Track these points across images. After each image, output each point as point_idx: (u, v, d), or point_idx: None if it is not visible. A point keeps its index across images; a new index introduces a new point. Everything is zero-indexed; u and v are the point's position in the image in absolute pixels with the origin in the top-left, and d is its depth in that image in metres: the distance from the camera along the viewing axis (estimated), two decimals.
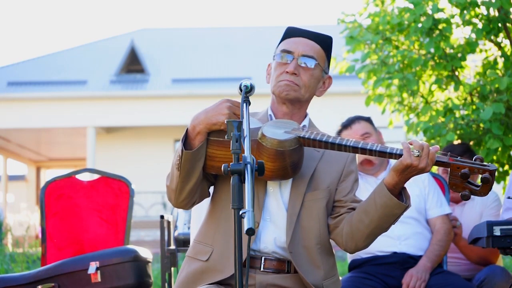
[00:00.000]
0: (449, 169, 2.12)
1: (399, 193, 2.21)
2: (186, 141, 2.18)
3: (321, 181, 2.31)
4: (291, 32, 2.40)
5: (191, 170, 2.18)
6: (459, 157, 2.15)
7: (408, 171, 2.13)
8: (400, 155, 2.13)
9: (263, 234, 2.25)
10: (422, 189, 3.47)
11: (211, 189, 2.36)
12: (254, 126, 2.21)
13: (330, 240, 2.38)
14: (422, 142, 2.14)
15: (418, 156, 2.11)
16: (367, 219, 2.23)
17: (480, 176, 2.10)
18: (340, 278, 3.51)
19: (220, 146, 2.18)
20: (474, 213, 3.68)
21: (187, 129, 2.18)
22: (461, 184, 2.12)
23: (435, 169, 4.60)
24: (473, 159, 2.14)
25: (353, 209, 2.33)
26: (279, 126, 2.22)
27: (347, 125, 3.56)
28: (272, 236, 2.25)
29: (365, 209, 2.24)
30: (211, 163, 2.21)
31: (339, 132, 3.58)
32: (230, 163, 1.90)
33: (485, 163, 2.13)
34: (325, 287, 2.29)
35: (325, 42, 2.39)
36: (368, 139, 3.44)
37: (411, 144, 2.15)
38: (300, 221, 2.27)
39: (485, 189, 2.11)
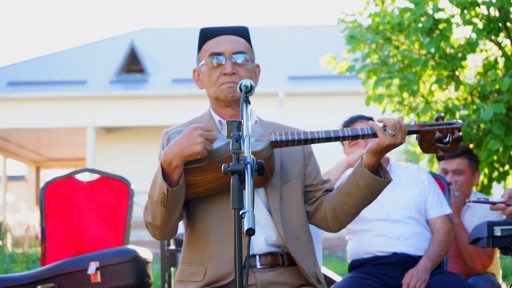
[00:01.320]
0: (419, 135, 2.21)
1: (376, 170, 2.26)
2: (163, 176, 2.13)
3: (290, 171, 2.34)
4: (208, 33, 2.38)
5: (176, 204, 2.16)
6: (424, 121, 2.23)
7: (386, 150, 2.20)
8: (373, 134, 2.18)
9: (253, 238, 2.25)
10: (422, 189, 3.46)
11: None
12: (222, 142, 2.17)
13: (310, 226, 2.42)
14: (393, 119, 2.19)
15: (393, 135, 2.16)
16: (352, 200, 2.27)
17: (444, 134, 2.21)
18: (341, 278, 3.53)
19: (198, 172, 2.16)
20: (472, 223, 3.67)
21: (161, 164, 2.13)
22: (432, 146, 2.22)
23: (435, 168, 4.60)
24: (435, 119, 2.23)
25: (328, 190, 2.38)
26: None
27: (349, 123, 3.57)
28: (262, 237, 2.27)
29: (348, 192, 2.27)
30: (192, 189, 2.20)
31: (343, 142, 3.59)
32: (230, 163, 1.90)
33: (450, 121, 2.23)
34: (317, 273, 2.33)
35: (244, 33, 2.40)
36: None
37: (381, 122, 2.19)
38: (284, 214, 2.29)
39: (454, 145, 2.22)
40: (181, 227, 3.62)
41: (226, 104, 2.33)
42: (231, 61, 2.32)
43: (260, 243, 2.27)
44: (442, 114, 2.24)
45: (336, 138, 2.22)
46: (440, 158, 2.22)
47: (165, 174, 2.13)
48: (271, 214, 2.28)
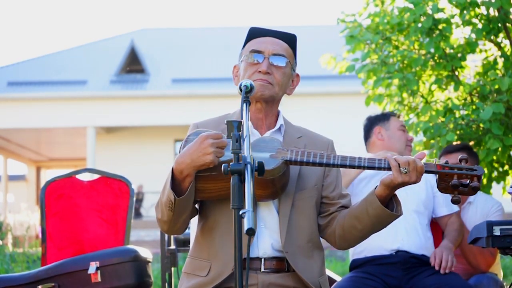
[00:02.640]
0: (437, 175, 2.18)
1: (390, 199, 2.25)
2: (174, 182, 2.15)
3: (307, 180, 2.33)
4: (256, 33, 2.40)
5: (184, 209, 2.18)
6: (446, 160, 2.20)
7: (400, 186, 2.18)
8: (389, 168, 2.17)
9: (260, 241, 2.27)
10: (428, 187, 3.48)
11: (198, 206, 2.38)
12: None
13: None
14: (407, 158, 2.16)
15: (406, 173, 2.14)
16: (360, 225, 2.27)
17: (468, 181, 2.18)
18: (341, 278, 3.53)
19: (209, 180, 2.17)
20: (474, 220, 3.67)
21: (172, 171, 2.14)
22: (449, 188, 2.19)
23: None
24: (459, 160, 2.19)
25: (343, 207, 2.36)
26: (261, 148, 2.21)
27: (382, 119, 3.63)
28: (269, 241, 2.27)
29: (357, 216, 2.27)
30: (201, 195, 2.22)
31: (369, 130, 3.64)
32: (230, 163, 1.90)
33: (471, 167, 2.18)
34: (321, 283, 2.32)
35: (291, 40, 2.40)
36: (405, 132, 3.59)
37: (396, 160, 2.16)
38: (292, 221, 2.29)
39: (471, 192, 2.19)
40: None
41: (255, 99, 2.33)
42: (269, 61, 2.33)
43: (266, 247, 2.27)
44: (466, 156, 2.20)
45: (351, 166, 2.20)
46: (454, 202, 2.19)
47: (176, 180, 2.15)
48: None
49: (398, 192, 2.21)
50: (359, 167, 2.19)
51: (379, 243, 3.35)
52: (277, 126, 2.39)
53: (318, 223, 2.37)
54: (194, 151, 2.10)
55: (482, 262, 3.62)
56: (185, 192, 2.13)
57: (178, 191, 2.14)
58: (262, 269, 2.25)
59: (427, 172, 2.18)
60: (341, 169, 2.57)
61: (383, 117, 3.64)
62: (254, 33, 2.40)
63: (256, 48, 2.35)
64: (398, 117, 3.66)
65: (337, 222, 2.33)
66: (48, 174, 25.96)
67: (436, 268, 3.23)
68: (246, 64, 2.36)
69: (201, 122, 2.42)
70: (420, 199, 3.44)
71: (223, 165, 1.92)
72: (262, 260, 2.26)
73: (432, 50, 4.14)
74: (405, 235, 3.36)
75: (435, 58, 4.18)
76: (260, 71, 2.31)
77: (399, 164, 2.15)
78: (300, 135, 2.42)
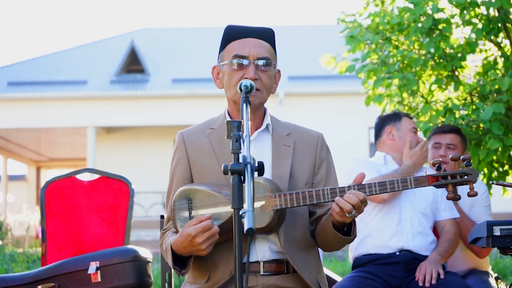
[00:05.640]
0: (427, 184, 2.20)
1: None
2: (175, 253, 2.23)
3: (298, 178, 2.33)
4: (234, 34, 2.32)
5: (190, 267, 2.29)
6: (439, 166, 2.18)
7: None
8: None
9: (258, 245, 2.27)
10: (435, 190, 3.47)
11: None
12: (221, 206, 2.22)
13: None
14: (349, 204, 2.11)
15: (353, 216, 2.13)
16: (329, 238, 2.29)
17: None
18: (341, 278, 3.53)
19: None
20: (463, 203, 3.68)
21: (172, 250, 2.21)
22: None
23: None
24: (451, 159, 2.19)
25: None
26: None
27: (396, 119, 3.61)
28: (267, 245, 2.28)
29: (325, 231, 2.28)
30: None
31: (380, 129, 3.64)
32: (230, 163, 1.90)
33: (466, 171, 2.18)
34: (319, 280, 2.33)
35: (271, 37, 2.35)
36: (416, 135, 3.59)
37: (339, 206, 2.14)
38: (288, 221, 2.29)
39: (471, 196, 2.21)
40: None
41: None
42: (255, 66, 2.27)
43: (264, 251, 2.28)
44: (458, 155, 2.18)
45: (341, 194, 2.18)
46: (450, 199, 2.22)
47: (177, 253, 2.23)
48: None
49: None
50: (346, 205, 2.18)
51: (384, 241, 3.36)
52: (264, 126, 2.37)
53: (310, 230, 2.38)
54: (187, 247, 2.15)
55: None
56: (187, 263, 2.25)
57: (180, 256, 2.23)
58: (262, 272, 2.26)
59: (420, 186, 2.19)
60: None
61: (395, 117, 3.62)
62: (233, 34, 2.33)
63: (240, 52, 2.28)
64: (411, 118, 3.64)
65: (317, 231, 2.35)
66: (48, 174, 25.95)
67: (420, 284, 3.21)
68: (230, 70, 2.30)
69: (186, 130, 2.40)
70: (428, 201, 3.45)
71: (223, 165, 1.92)
72: (262, 263, 2.27)
73: (432, 50, 4.14)
74: (410, 235, 3.36)
75: (435, 58, 4.18)
76: (247, 78, 2.25)
77: (341, 208, 2.13)
78: (289, 131, 2.40)
